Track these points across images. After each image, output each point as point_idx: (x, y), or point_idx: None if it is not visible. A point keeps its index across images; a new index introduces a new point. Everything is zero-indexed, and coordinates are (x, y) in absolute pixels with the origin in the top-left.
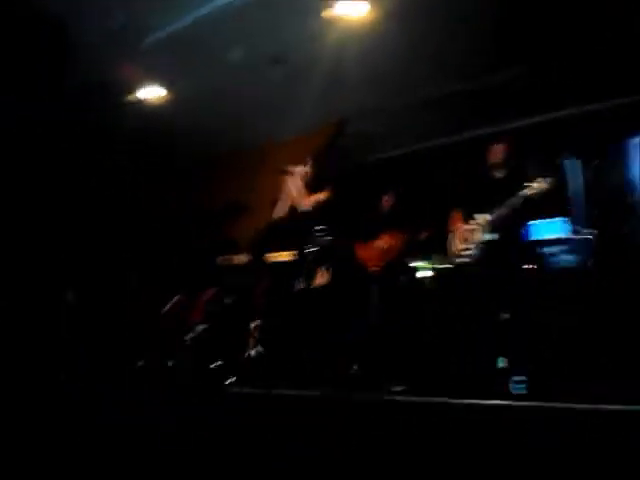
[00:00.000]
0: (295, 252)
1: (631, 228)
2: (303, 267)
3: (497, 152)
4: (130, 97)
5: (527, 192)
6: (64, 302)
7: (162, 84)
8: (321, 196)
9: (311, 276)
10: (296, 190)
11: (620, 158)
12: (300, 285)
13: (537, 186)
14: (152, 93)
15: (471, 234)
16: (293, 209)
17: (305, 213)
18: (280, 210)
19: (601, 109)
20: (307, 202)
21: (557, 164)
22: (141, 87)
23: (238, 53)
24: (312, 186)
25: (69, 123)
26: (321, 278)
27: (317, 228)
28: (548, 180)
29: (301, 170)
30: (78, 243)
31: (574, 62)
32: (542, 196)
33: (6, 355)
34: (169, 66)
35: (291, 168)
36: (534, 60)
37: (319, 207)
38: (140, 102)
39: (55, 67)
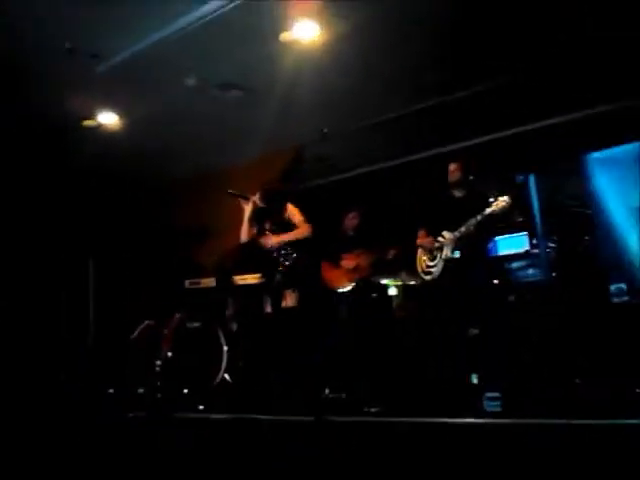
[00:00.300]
0: (261, 274)
1: (589, 241)
2: (270, 289)
3: (456, 170)
4: (86, 122)
5: (489, 210)
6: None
7: (118, 110)
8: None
9: (278, 298)
10: (246, 220)
11: (577, 173)
12: (268, 308)
13: (498, 203)
14: (108, 119)
15: (437, 251)
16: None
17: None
18: (243, 235)
19: (558, 124)
20: (267, 241)
21: (516, 180)
22: (97, 113)
23: (194, 78)
24: (258, 218)
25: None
26: (289, 300)
27: (283, 250)
28: (508, 197)
29: (254, 199)
30: None
31: (527, 79)
32: (503, 213)
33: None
34: (124, 91)
35: (243, 196)
36: (489, 77)
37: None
38: (97, 127)
39: None
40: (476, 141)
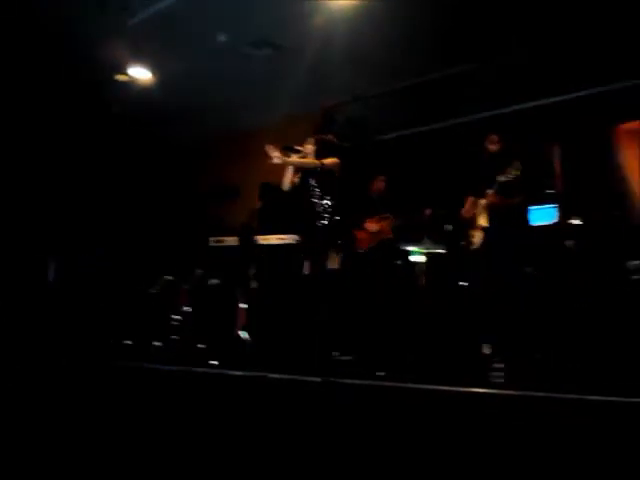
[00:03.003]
0: (288, 235)
1: (615, 215)
2: (311, 245)
3: (496, 141)
4: (119, 76)
5: (502, 178)
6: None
7: (149, 65)
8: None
9: (320, 259)
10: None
11: (605, 145)
12: (306, 268)
13: (509, 171)
14: (140, 73)
15: (475, 219)
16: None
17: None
18: (286, 183)
19: (587, 97)
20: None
21: (543, 151)
22: (127, 66)
23: (225, 34)
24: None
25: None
26: (333, 261)
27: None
28: (518, 165)
29: (308, 148)
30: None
31: (561, 49)
32: (518, 181)
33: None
34: (155, 46)
35: (294, 149)
36: (521, 46)
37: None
38: (127, 82)
39: None
40: (504, 110)
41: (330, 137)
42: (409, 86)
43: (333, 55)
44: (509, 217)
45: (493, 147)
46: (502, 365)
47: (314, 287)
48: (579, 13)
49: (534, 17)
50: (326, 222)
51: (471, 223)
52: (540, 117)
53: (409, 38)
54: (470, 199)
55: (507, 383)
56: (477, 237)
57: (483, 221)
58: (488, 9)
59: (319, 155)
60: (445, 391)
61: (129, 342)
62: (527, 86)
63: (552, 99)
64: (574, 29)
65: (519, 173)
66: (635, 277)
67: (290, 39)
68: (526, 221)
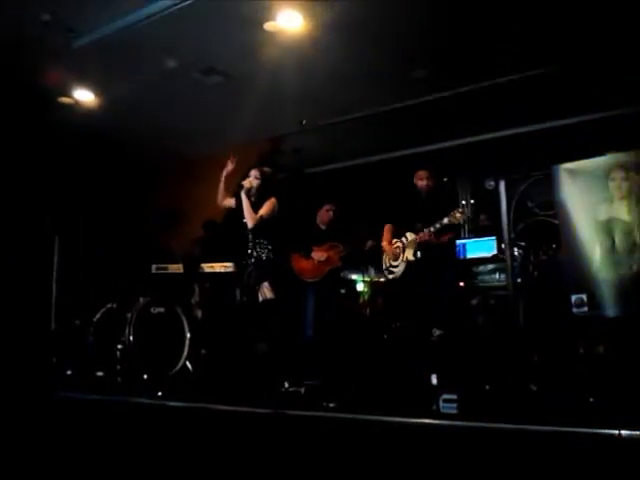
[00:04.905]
0: (234, 263)
1: (555, 250)
2: (244, 279)
3: (424, 177)
4: (63, 99)
5: (445, 220)
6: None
7: (94, 88)
8: (265, 211)
9: (252, 289)
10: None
11: (548, 182)
12: (240, 298)
13: (453, 214)
14: (84, 97)
15: (400, 251)
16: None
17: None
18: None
19: (529, 133)
20: (252, 219)
21: (486, 185)
22: (73, 90)
23: (174, 60)
24: (257, 199)
25: None
26: (267, 292)
27: (258, 240)
28: (462, 210)
29: (250, 182)
30: None
31: (505, 86)
32: (459, 223)
33: None
34: (101, 70)
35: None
36: (470, 80)
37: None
38: (73, 105)
39: None
40: (451, 144)
41: (269, 171)
42: (357, 118)
43: (282, 86)
44: (443, 251)
45: (422, 183)
46: (454, 396)
47: (261, 317)
48: (517, 51)
49: (480, 52)
50: (263, 256)
51: (392, 253)
52: (487, 151)
53: (357, 71)
54: (388, 227)
55: (459, 414)
56: (398, 269)
57: (409, 254)
58: (435, 45)
59: (262, 191)
60: (396, 422)
61: (70, 372)
62: (478, 119)
63: (497, 134)
64: (513, 67)
65: (462, 218)
66: (577, 311)
67: (240, 68)
68: (454, 255)
